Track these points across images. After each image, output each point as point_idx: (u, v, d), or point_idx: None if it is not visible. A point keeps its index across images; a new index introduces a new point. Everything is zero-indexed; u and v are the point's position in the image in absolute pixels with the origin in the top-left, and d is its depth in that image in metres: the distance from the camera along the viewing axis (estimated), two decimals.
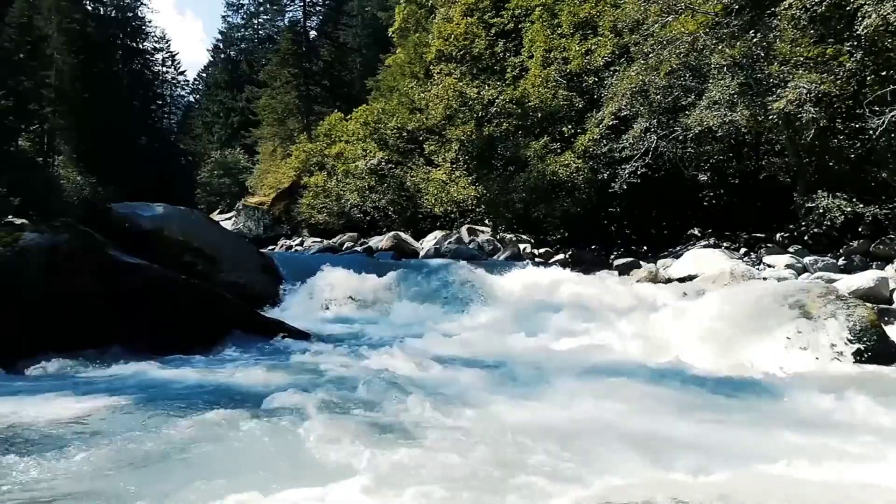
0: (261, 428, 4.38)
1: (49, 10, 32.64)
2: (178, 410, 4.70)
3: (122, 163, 38.52)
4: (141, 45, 53.38)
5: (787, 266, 12.16)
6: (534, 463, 3.73)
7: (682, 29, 14.21)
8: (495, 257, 16.93)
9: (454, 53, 22.57)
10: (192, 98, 61.99)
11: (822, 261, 12.39)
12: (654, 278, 12.71)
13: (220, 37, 59.07)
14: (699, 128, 14.35)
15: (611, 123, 16.72)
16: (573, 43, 18.73)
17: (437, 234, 20.79)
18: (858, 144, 13.29)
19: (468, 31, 22.50)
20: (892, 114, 11.55)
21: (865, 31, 11.49)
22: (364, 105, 27.71)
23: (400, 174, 23.38)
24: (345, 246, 22.74)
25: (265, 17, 57.39)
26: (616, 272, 14.24)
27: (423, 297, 10.94)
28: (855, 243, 13.12)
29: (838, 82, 12.38)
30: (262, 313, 9.10)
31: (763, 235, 14.87)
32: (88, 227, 7.86)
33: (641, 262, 14.47)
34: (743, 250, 14.34)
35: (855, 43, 12.28)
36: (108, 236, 8.15)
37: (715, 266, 11.78)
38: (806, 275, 11.72)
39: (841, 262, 12.44)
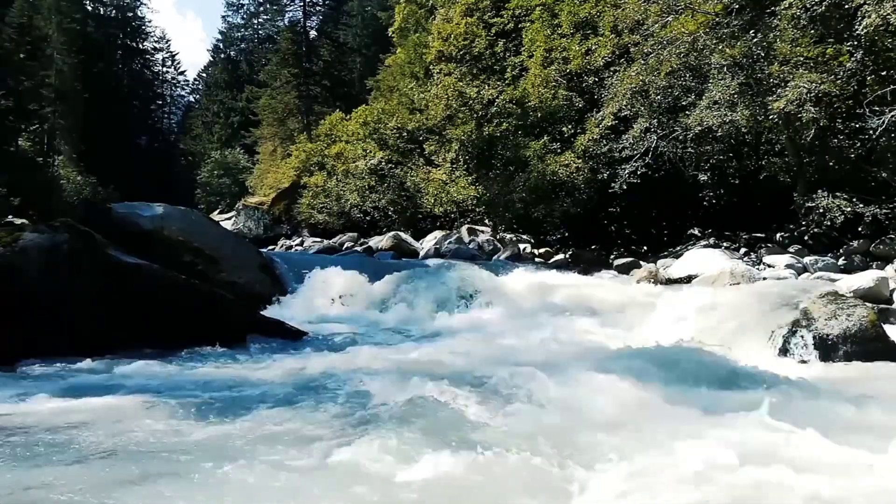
0: (259, 428, 4.38)
1: (49, 10, 32.71)
2: (176, 411, 4.69)
3: (122, 163, 38.59)
4: (141, 45, 53.53)
5: (787, 266, 12.16)
6: (534, 463, 3.73)
7: (682, 29, 14.21)
8: (495, 257, 16.93)
9: (454, 53, 22.58)
10: (192, 98, 62.07)
11: (822, 261, 12.40)
12: (654, 278, 12.72)
13: (220, 37, 59.17)
14: (699, 128, 14.35)
15: (611, 123, 16.72)
16: (573, 43, 18.74)
17: (437, 234, 20.80)
18: (858, 144, 13.29)
19: (468, 31, 22.50)
20: (892, 114, 11.55)
21: (865, 31, 11.49)
22: (364, 105, 27.70)
23: (400, 174, 23.39)
24: (345, 246, 22.74)
25: (265, 17, 57.45)
26: (616, 272, 14.26)
27: (422, 297, 10.93)
28: (855, 243, 13.12)
29: (838, 82, 12.37)
30: (262, 313, 9.10)
31: (763, 235, 14.87)
32: (88, 227, 7.85)
33: (641, 262, 14.48)
34: (743, 250, 14.34)
35: (855, 43, 12.28)
36: (108, 236, 8.13)
37: (715, 266, 11.78)
38: (806, 275, 11.72)
39: (841, 262, 12.44)
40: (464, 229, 19.67)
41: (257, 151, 41.58)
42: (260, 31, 58.01)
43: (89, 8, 47.66)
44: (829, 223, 12.94)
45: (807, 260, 12.51)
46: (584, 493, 3.30)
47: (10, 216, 12.92)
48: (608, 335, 8.15)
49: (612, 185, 16.03)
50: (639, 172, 15.57)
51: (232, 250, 11.48)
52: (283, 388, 5.45)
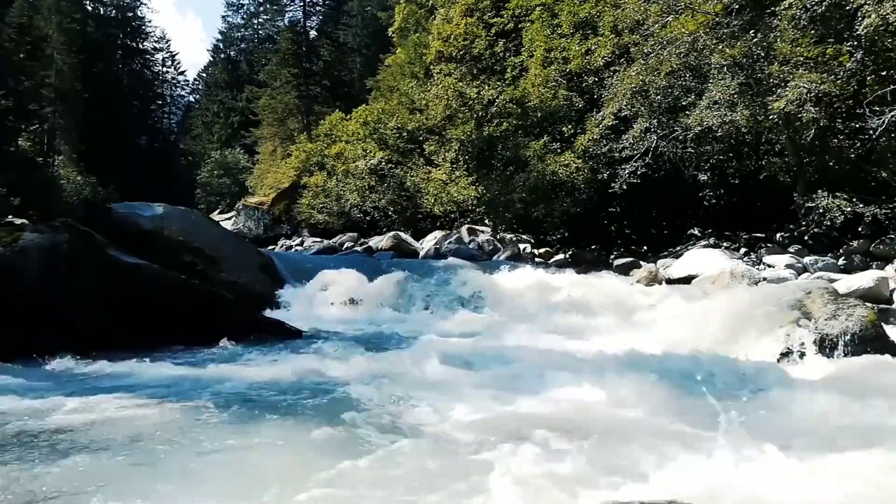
0: (258, 429, 4.39)
1: (49, 10, 32.69)
2: (176, 410, 4.70)
3: (122, 163, 38.58)
4: (141, 45, 53.52)
5: (787, 266, 12.16)
6: (534, 463, 3.73)
7: (682, 29, 14.20)
8: (495, 257, 16.93)
9: (454, 54, 22.58)
10: (192, 98, 62.05)
11: (822, 261, 12.39)
12: (654, 278, 12.72)
13: (220, 37, 59.17)
14: (699, 128, 14.35)
15: (611, 123, 16.71)
16: (573, 43, 18.73)
17: (437, 234, 20.79)
18: (858, 144, 13.29)
19: (468, 31, 22.50)
20: (892, 114, 11.55)
21: (865, 31, 11.49)
22: (364, 105, 27.71)
23: (400, 174, 23.39)
24: (345, 246, 22.73)
25: (265, 17, 57.43)
26: (616, 272, 14.26)
27: (422, 297, 10.94)
28: (855, 243, 13.12)
29: (838, 82, 12.37)
30: (262, 313, 9.10)
31: (763, 235, 14.87)
32: (88, 227, 7.85)
33: (641, 262, 14.48)
34: (743, 250, 14.34)
35: (855, 43, 12.28)
36: (108, 236, 8.14)
37: (715, 266, 11.78)
38: (806, 275, 11.72)
39: (841, 262, 12.44)
40: (464, 229, 19.67)
41: (257, 151, 41.58)
42: (260, 31, 58.01)
43: (89, 8, 47.65)
44: (829, 223, 12.94)
45: (807, 260, 12.51)
46: (577, 496, 3.30)
47: (10, 216, 12.93)
48: (607, 335, 8.14)
49: (612, 185, 16.03)
50: (639, 172, 15.56)
51: (232, 250, 11.47)
52: (281, 389, 5.45)
